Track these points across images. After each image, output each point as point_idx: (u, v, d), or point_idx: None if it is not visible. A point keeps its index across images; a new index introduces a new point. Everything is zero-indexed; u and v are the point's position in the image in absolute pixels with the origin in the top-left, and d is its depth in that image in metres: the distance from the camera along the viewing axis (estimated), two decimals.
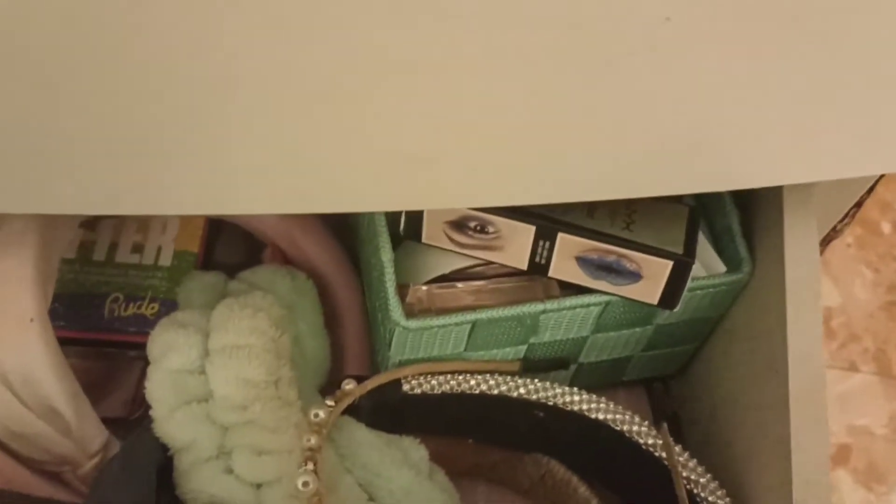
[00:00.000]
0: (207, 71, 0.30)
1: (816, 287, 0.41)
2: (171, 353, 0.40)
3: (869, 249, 0.92)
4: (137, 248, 0.52)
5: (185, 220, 0.53)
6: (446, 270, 0.46)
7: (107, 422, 0.47)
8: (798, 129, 0.36)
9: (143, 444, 0.39)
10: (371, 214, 0.45)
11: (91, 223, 0.52)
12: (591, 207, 0.43)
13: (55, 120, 0.32)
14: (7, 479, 0.42)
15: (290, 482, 0.38)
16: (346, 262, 0.52)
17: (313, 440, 0.39)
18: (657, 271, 0.42)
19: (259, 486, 0.38)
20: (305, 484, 0.36)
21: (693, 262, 0.41)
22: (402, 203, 0.38)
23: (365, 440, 0.42)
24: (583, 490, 0.48)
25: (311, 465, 0.37)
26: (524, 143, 0.35)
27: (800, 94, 0.34)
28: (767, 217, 0.44)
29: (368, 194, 0.36)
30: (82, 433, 0.43)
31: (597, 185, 0.37)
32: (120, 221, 0.52)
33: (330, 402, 0.42)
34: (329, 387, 0.49)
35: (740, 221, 0.46)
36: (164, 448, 0.39)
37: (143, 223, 0.52)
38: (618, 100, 0.33)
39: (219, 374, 0.40)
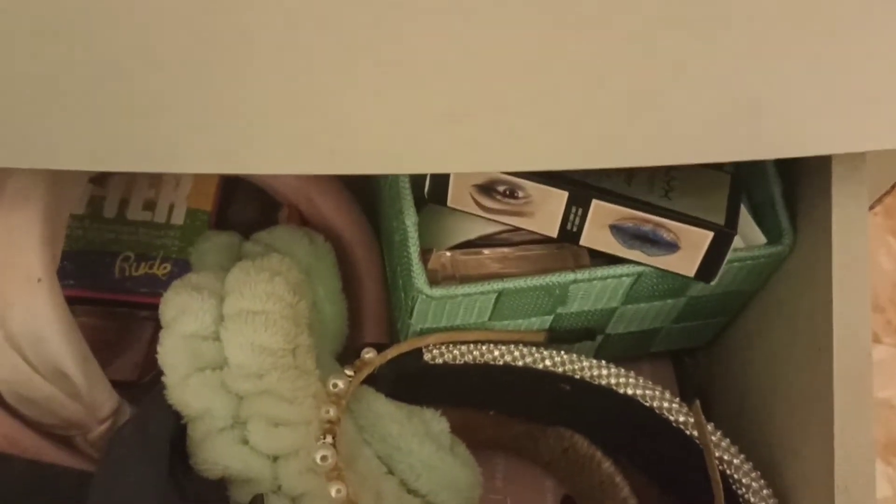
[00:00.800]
0: (225, 17, 0.28)
1: (865, 263, 0.39)
2: (184, 317, 0.38)
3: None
4: (149, 206, 0.50)
5: (199, 178, 0.51)
6: (472, 236, 0.44)
7: (116, 385, 0.46)
8: (855, 95, 0.33)
9: (155, 412, 0.37)
10: (394, 177, 0.42)
11: (101, 178, 0.50)
12: (628, 173, 0.40)
13: (63, 69, 0.30)
14: (14, 443, 0.41)
15: (308, 455, 0.36)
16: (365, 224, 0.50)
17: (332, 412, 0.37)
18: (696, 242, 0.39)
19: (275, 458, 0.37)
20: (324, 458, 0.35)
21: (735, 234, 0.39)
22: (430, 165, 0.36)
23: (385, 412, 0.41)
24: (607, 466, 0.46)
25: (329, 439, 0.36)
26: (563, 102, 0.32)
27: (856, 58, 0.32)
28: (813, 186, 0.42)
29: (394, 155, 0.34)
30: (92, 397, 0.41)
31: (638, 150, 0.35)
32: (131, 177, 0.50)
33: (349, 372, 0.40)
34: (346, 353, 0.47)
35: (782, 192, 0.44)
36: (178, 416, 0.38)
37: (156, 179, 0.50)
38: (665, 60, 0.31)
39: (233, 340, 0.38)
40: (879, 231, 0.89)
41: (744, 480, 0.40)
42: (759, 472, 0.40)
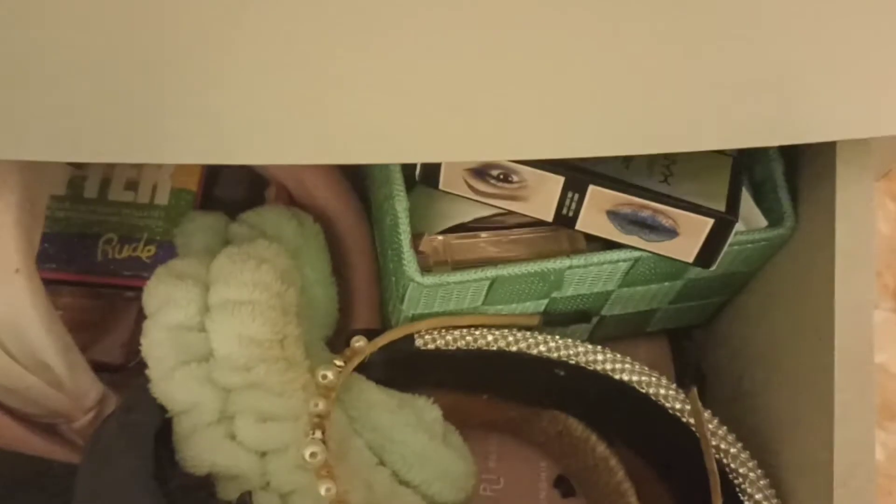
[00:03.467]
0: (212, 3, 0.26)
1: (870, 246, 0.38)
2: (168, 307, 0.37)
3: (894, 181, 0.88)
4: (131, 185, 0.48)
5: None
6: (464, 219, 0.42)
7: (103, 367, 0.45)
8: (860, 81, 0.32)
9: (140, 405, 0.37)
10: None
11: None
12: (626, 157, 0.39)
13: (41, 55, 0.28)
14: None
15: (298, 451, 0.35)
16: (356, 204, 0.49)
17: (321, 405, 0.36)
18: (696, 229, 0.38)
19: (264, 454, 0.36)
20: (313, 455, 0.34)
21: (736, 221, 0.38)
22: (425, 154, 0.34)
23: (376, 401, 0.40)
24: (601, 449, 0.46)
25: (318, 434, 0.35)
26: (560, 89, 0.31)
27: (862, 43, 0.30)
28: (815, 167, 0.41)
29: (386, 144, 0.33)
30: (75, 386, 0.40)
31: (637, 138, 0.33)
32: None
33: (339, 362, 0.39)
34: (337, 337, 0.46)
35: (784, 171, 0.42)
36: (163, 410, 0.37)
37: None
38: (665, 46, 0.30)
39: (220, 331, 0.37)
40: (878, 194, 0.88)
41: (741, 470, 0.39)
42: (756, 462, 0.39)
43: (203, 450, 0.35)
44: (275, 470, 0.36)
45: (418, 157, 0.34)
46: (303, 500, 0.35)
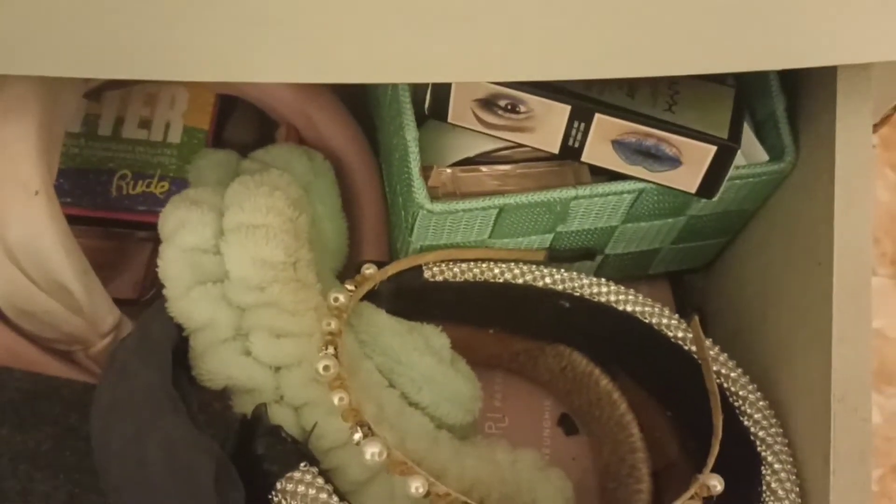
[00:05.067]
0: None
1: (869, 179, 0.38)
2: (183, 230, 0.38)
3: (893, 151, 0.89)
4: (145, 124, 0.49)
5: (195, 95, 0.50)
6: (472, 153, 0.43)
7: (116, 302, 0.46)
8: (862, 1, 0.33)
9: (157, 324, 0.38)
10: (394, 91, 0.42)
11: (96, 94, 0.49)
12: (631, 87, 0.40)
13: None
14: (16, 356, 0.41)
15: (310, 366, 0.37)
16: (364, 142, 0.50)
17: (333, 324, 0.37)
18: (699, 157, 0.39)
19: (278, 369, 0.37)
20: (326, 368, 0.35)
21: (738, 148, 0.39)
22: (431, 73, 0.35)
23: (386, 326, 0.41)
24: (605, 382, 0.47)
25: (331, 350, 0.36)
26: (565, 7, 0.32)
27: None
28: (816, 101, 0.41)
29: (392, 62, 0.33)
30: (93, 310, 0.41)
31: (640, 59, 0.34)
32: (126, 94, 0.49)
33: (350, 287, 0.40)
34: (346, 271, 0.47)
35: (786, 108, 0.43)
36: (179, 328, 0.38)
37: (151, 97, 0.50)
38: None
39: (234, 253, 0.38)
40: (877, 163, 0.89)
41: (740, 393, 0.40)
42: (755, 385, 0.40)
43: (219, 365, 0.36)
44: (288, 384, 0.37)
45: (421, 77, 0.35)
46: (315, 413, 0.36)
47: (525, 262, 0.45)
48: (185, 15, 0.31)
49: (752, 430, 0.38)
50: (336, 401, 0.34)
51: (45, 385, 0.37)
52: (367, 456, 0.32)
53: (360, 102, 0.51)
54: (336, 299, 0.39)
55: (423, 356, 0.40)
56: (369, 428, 0.33)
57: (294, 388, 0.36)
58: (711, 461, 0.36)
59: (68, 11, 0.30)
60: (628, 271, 0.51)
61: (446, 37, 0.32)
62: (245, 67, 0.34)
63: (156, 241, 0.48)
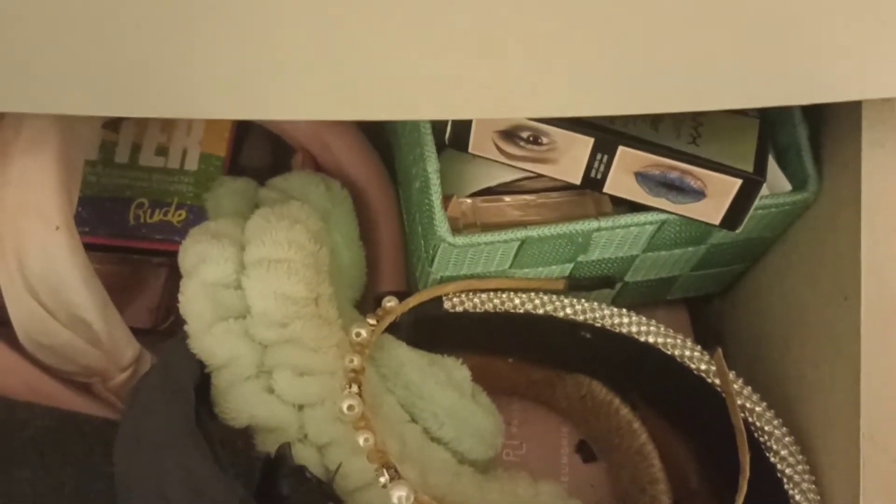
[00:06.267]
0: None
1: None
2: (204, 265, 0.38)
3: None
4: (161, 151, 0.49)
5: (211, 122, 0.49)
6: (493, 183, 0.43)
7: (132, 332, 0.45)
8: (888, 37, 0.32)
9: (179, 360, 0.37)
10: (415, 121, 0.41)
11: (113, 123, 0.49)
12: (654, 119, 0.40)
13: (75, 8, 0.29)
14: (35, 390, 0.41)
15: (334, 404, 0.36)
16: (382, 169, 0.49)
17: (356, 361, 0.37)
18: (724, 190, 0.39)
19: (301, 407, 0.37)
20: (350, 407, 0.35)
21: (764, 181, 0.38)
22: (454, 111, 0.35)
23: (407, 360, 0.40)
24: (625, 412, 0.46)
25: (355, 388, 0.36)
26: (590, 45, 0.31)
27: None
28: (841, 129, 0.41)
29: (417, 99, 0.33)
30: (113, 344, 0.41)
31: (666, 95, 0.34)
32: (142, 122, 0.49)
33: (371, 321, 0.40)
34: (364, 300, 0.47)
35: (808, 136, 0.43)
36: (201, 364, 0.37)
37: (167, 124, 0.49)
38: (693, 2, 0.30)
39: (256, 288, 0.37)
40: None
41: (766, 428, 0.40)
42: (781, 420, 0.40)
43: (242, 403, 0.36)
44: (312, 422, 0.36)
45: (448, 114, 0.34)
46: (339, 452, 0.36)
47: (546, 292, 0.44)
48: (202, 55, 0.31)
49: (779, 466, 0.38)
50: (361, 441, 0.34)
51: (67, 422, 0.37)
52: (395, 500, 0.32)
53: (377, 126, 0.51)
54: (358, 334, 0.38)
55: (445, 390, 0.40)
56: (395, 470, 0.33)
57: (318, 427, 0.36)
58: (740, 501, 0.35)
59: (92, 53, 0.30)
60: (647, 298, 0.51)
61: (472, 76, 0.32)
62: (265, 106, 0.33)
63: (171, 267, 0.47)
